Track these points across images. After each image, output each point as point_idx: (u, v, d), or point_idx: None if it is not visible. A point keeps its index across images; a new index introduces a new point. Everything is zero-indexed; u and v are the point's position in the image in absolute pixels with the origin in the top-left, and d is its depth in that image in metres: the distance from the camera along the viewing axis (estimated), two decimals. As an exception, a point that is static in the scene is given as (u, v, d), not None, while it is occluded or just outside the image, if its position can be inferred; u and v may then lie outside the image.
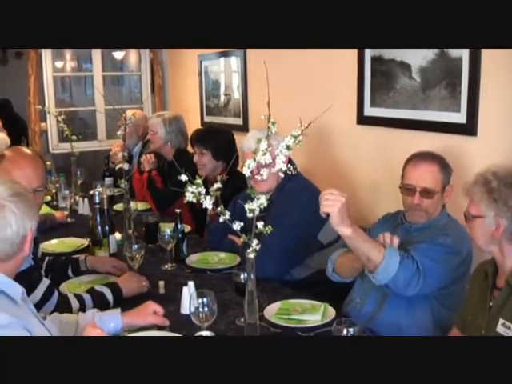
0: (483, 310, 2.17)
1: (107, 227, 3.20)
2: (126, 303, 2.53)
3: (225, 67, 5.59)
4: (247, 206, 1.89)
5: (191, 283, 2.55)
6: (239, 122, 5.34)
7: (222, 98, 5.65)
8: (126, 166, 3.52)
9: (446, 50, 3.12)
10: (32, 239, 1.88)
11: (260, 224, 1.92)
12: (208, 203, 1.93)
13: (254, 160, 1.86)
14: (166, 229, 3.13)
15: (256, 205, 1.87)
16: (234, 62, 5.37)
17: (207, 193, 1.97)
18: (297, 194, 3.12)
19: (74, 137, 4.77)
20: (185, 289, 2.54)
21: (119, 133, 3.69)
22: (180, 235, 3.20)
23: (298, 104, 4.27)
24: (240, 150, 3.19)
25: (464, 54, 3.02)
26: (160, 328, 2.33)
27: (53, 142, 6.51)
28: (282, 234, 2.84)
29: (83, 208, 4.38)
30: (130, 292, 2.68)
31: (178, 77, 6.66)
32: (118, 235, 3.41)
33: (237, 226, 1.93)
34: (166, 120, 4.59)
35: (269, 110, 1.87)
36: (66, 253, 3.33)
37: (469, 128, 3.05)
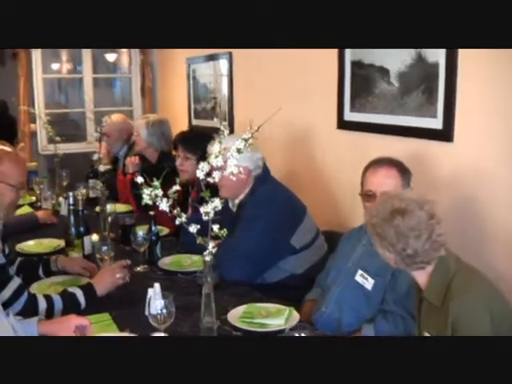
0: (417, 319, 2.18)
1: (81, 228, 3.19)
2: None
3: (213, 70, 5.59)
4: (202, 209, 1.89)
5: (157, 285, 2.52)
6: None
7: (210, 101, 5.65)
8: (101, 168, 3.54)
9: (423, 54, 3.10)
10: None
11: (216, 227, 1.91)
12: (165, 205, 1.93)
13: (209, 163, 1.87)
14: (139, 231, 3.12)
15: (210, 208, 1.87)
16: (221, 65, 5.36)
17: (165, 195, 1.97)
18: (268, 197, 3.09)
19: (58, 138, 4.78)
20: (150, 290, 2.53)
21: (95, 135, 3.72)
22: (154, 237, 3.20)
23: (280, 107, 4.25)
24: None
25: (440, 59, 2.99)
26: (121, 329, 2.33)
27: (42, 143, 6.54)
28: (253, 237, 2.85)
29: (64, 209, 4.34)
30: (104, 290, 2.68)
31: (168, 80, 6.68)
32: (94, 236, 3.39)
33: (193, 228, 1.93)
34: (149, 122, 4.61)
35: (229, 116, 1.88)
36: (42, 253, 3.32)
37: (445, 134, 3.03)
